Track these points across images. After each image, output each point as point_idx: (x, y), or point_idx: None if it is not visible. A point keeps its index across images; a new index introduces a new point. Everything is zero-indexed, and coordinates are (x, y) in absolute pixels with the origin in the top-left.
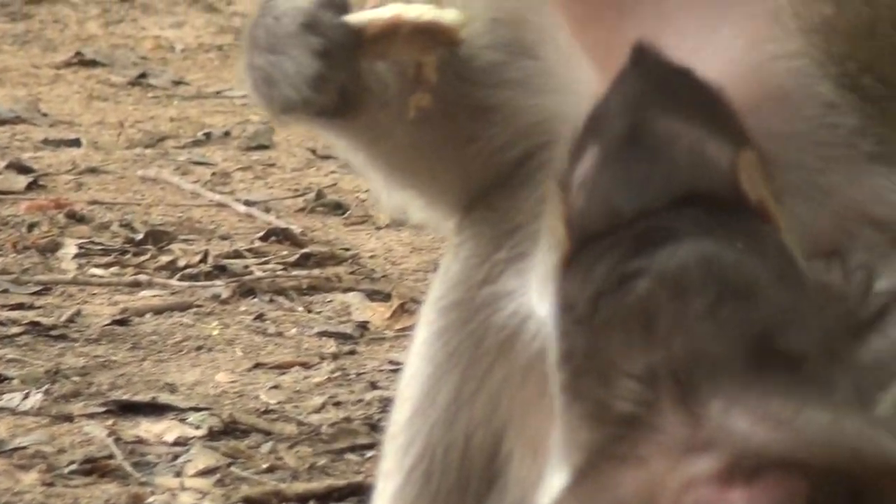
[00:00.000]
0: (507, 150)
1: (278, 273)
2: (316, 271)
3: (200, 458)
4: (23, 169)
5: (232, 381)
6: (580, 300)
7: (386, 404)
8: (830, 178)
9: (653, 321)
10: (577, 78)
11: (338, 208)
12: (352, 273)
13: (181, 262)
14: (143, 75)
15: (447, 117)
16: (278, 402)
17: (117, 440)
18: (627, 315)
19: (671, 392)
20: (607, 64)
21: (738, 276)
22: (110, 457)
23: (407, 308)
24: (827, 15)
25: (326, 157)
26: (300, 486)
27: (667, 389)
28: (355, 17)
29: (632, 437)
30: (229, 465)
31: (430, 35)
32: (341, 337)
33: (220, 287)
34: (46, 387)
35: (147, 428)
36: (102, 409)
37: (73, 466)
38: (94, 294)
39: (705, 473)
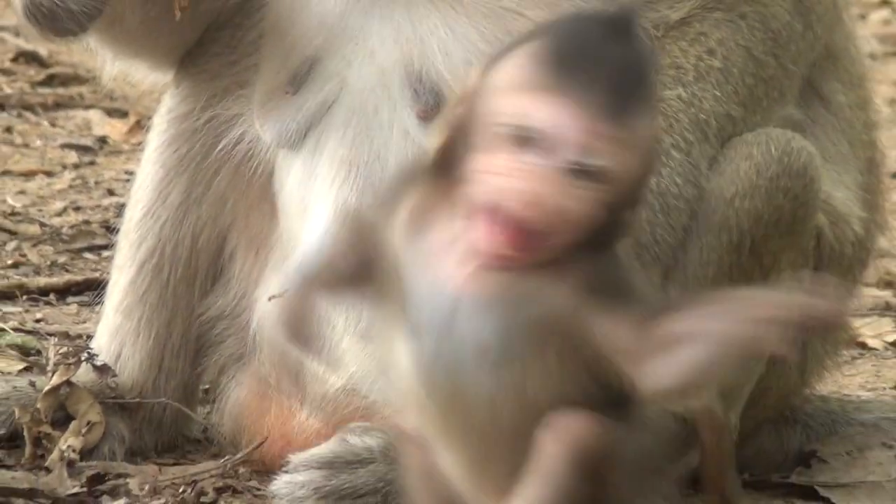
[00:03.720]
0: None
1: (26, 91)
2: (60, 90)
3: None
4: None
5: None
6: None
7: (121, 210)
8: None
9: None
10: None
11: None
12: (93, 92)
13: None
14: None
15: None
16: (23, 206)
17: None
18: None
19: None
20: None
21: None
22: None
23: (143, 124)
24: None
25: None
26: (42, 281)
27: None
28: None
29: None
30: None
31: None
32: (82, 149)
33: None
34: None
35: None
36: None
37: None
38: None
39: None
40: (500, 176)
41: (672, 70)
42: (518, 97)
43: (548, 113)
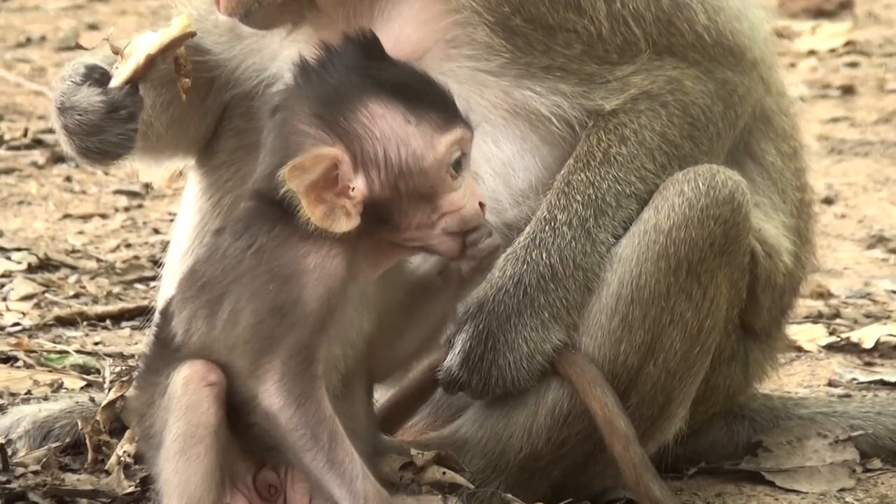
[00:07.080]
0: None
1: None
2: None
3: (21, 287)
4: None
5: (47, 228)
6: None
7: (166, 246)
8: (487, 94)
9: None
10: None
11: None
12: None
13: (7, 136)
14: None
15: (190, 91)
16: (82, 244)
17: None
18: None
19: None
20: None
21: None
22: None
23: (183, 173)
24: None
25: None
26: (99, 309)
27: None
28: (123, 75)
29: None
30: (44, 292)
31: (173, 43)
32: (131, 194)
33: (38, 155)
34: None
35: None
36: None
37: None
38: None
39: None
40: (468, 203)
41: (584, 158)
42: (441, 138)
43: (460, 137)
